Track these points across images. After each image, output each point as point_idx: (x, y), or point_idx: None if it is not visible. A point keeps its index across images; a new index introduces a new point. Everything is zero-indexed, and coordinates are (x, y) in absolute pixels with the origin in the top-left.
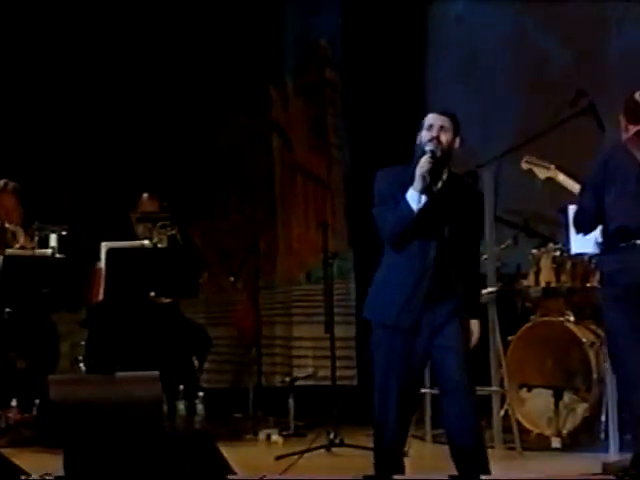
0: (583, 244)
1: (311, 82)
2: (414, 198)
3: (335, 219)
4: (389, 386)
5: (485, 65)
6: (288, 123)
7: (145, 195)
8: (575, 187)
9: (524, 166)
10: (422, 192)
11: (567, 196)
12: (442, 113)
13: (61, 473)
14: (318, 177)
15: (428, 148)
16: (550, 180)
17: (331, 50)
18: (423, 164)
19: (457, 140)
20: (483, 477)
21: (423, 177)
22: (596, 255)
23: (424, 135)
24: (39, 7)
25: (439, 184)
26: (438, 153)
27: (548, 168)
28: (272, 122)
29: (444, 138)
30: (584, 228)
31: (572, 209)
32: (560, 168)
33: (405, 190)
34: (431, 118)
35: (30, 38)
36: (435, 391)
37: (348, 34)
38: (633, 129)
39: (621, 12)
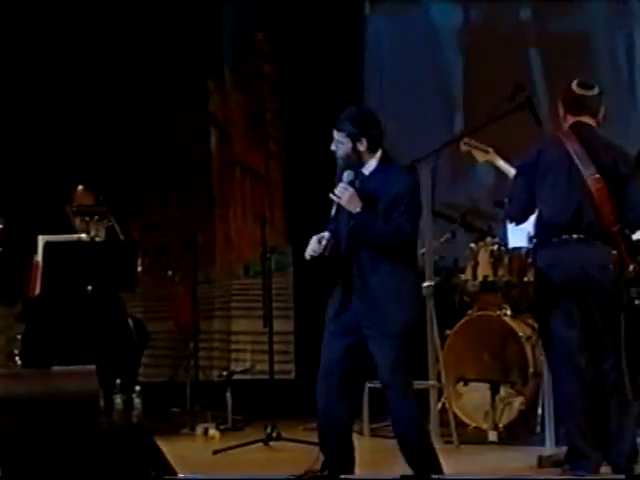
0: (520, 238)
1: (249, 76)
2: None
3: (273, 213)
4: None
5: (419, 63)
6: (226, 117)
7: (80, 188)
8: (512, 172)
9: (463, 148)
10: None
11: (504, 190)
12: (334, 127)
13: None
14: (256, 171)
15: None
16: (488, 163)
17: (269, 44)
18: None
19: (362, 142)
20: (434, 476)
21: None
22: (530, 249)
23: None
24: None
25: (356, 183)
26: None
27: (487, 151)
28: (210, 116)
29: (340, 152)
30: (516, 217)
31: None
32: (499, 153)
33: None
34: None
35: None
36: (373, 384)
37: (286, 28)
38: (571, 119)
39: None
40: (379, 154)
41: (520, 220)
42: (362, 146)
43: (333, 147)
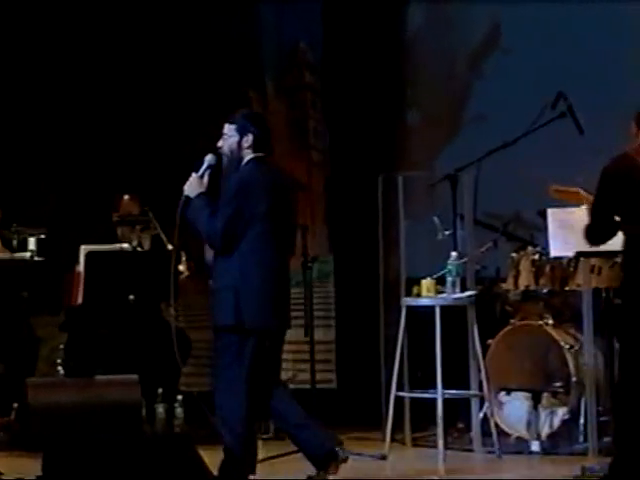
0: (562, 247)
1: (291, 85)
2: None
3: (315, 222)
4: None
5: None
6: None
7: (126, 197)
8: None
9: (553, 196)
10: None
11: (546, 199)
12: (225, 120)
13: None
14: (298, 180)
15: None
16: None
17: (311, 53)
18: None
19: (248, 137)
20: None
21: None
22: (572, 258)
23: None
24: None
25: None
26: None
27: (576, 193)
28: None
29: (225, 146)
30: (597, 241)
31: (551, 212)
32: (583, 188)
33: None
34: None
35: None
36: (413, 394)
37: (328, 37)
38: None
39: None
40: (255, 155)
41: (603, 243)
42: (247, 142)
43: (220, 143)
